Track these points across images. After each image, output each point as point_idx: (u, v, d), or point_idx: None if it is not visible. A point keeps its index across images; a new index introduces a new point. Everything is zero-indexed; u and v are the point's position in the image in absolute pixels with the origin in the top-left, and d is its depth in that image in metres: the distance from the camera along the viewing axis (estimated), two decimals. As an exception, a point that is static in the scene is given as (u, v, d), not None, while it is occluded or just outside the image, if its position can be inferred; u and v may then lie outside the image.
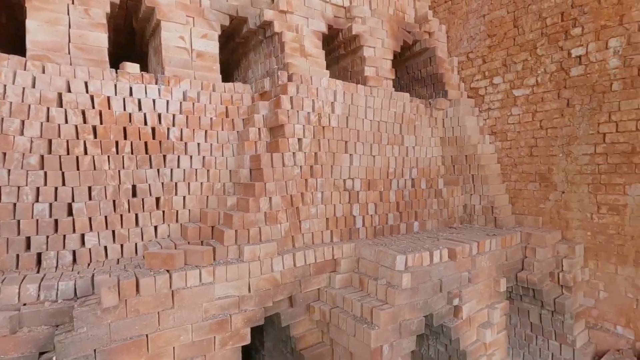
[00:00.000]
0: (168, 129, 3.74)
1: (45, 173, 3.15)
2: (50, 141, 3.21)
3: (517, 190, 5.11)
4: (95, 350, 2.50)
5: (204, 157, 3.93)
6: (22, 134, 3.10)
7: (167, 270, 2.92)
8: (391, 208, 4.56)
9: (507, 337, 4.12)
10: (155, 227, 3.67)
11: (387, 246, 3.85)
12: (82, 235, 3.29)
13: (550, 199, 4.72)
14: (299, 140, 3.85)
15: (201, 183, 3.92)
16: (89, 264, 3.27)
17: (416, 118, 4.91)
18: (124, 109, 3.53)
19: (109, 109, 3.46)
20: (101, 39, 3.59)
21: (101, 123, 3.41)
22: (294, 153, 3.79)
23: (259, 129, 3.95)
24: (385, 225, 4.50)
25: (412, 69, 6.05)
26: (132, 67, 3.63)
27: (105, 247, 3.39)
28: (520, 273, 4.37)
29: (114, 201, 3.43)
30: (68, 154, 3.26)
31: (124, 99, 3.53)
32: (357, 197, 4.27)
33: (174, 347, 2.84)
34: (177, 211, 3.79)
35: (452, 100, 5.40)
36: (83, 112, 3.35)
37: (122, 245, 3.46)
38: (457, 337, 3.64)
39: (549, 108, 4.69)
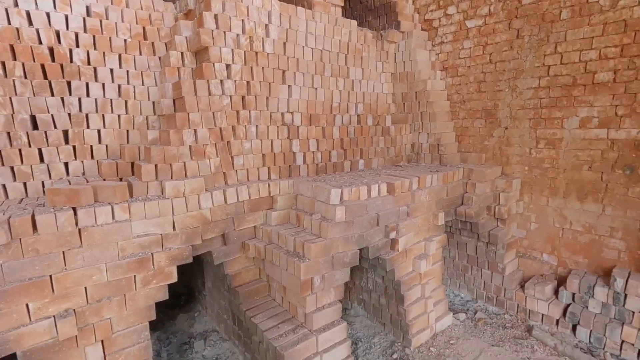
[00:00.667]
0: (70, 50, 3.20)
1: None
2: None
3: (464, 127, 5.06)
4: (-16, 292, 2.24)
5: (119, 86, 3.47)
6: None
7: (73, 208, 2.62)
8: (335, 145, 4.38)
9: (443, 267, 4.28)
10: (66, 164, 3.28)
11: (327, 182, 3.71)
12: (-29, 172, 2.87)
13: (495, 135, 4.72)
14: (227, 66, 3.46)
15: (118, 115, 3.50)
16: (-17, 204, 2.89)
17: (363, 49, 4.58)
18: (8, 23, 2.94)
19: (-13, 21, 2.86)
20: None
21: (-22, 38, 2.84)
22: (221, 81, 3.42)
23: (181, 52, 3.49)
24: (328, 162, 4.34)
25: (365, -3, 5.58)
26: (13, -30, 2.97)
27: (4, 186, 3.00)
28: (459, 208, 4.44)
29: (8, 133, 2.98)
30: (-63, 74, 2.71)
31: (6, 10, 2.93)
32: (297, 132, 4.03)
33: (85, 287, 2.63)
34: (91, 146, 3.39)
35: (405, 33, 5.07)
36: (-49, 23, 2.75)
37: (25, 184, 3.08)
38: (392, 269, 3.69)
39: (499, 40, 4.50)
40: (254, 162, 3.70)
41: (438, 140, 4.91)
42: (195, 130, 3.28)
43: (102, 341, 2.75)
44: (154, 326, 4.22)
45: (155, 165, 3.09)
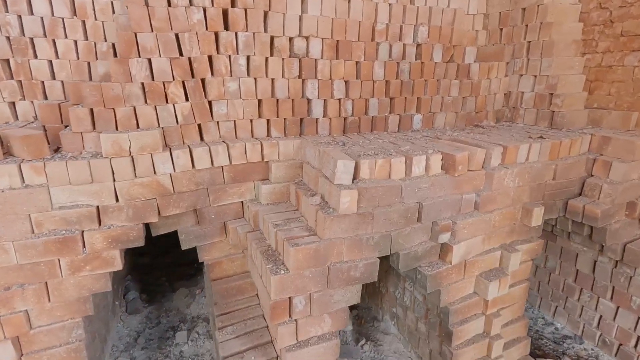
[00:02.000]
0: (-1, -54, 2.35)
1: None
2: None
3: (603, 68, 3.07)
4: None
5: (72, 1, 2.56)
6: None
7: (-33, 164, 1.89)
8: (376, 90, 2.95)
9: (527, 290, 2.73)
10: (13, 105, 2.61)
11: (348, 146, 2.42)
12: None
13: (665, 80, 2.70)
14: (197, -43, 2.25)
15: (75, 41, 2.65)
16: None
17: None
18: None
19: None
20: None
21: None
22: (187, -18, 2.25)
23: (139, -58, 2.37)
24: (363, 116, 2.97)
25: None
26: None
27: (-62, 129, 2.43)
28: (574, 201, 2.73)
29: None
30: None
31: None
32: (314, 68, 2.71)
33: (-16, 271, 1.97)
34: (42, 83, 2.64)
35: None
36: None
37: (-38, 128, 2.48)
38: (437, 289, 2.35)
39: None
40: (244, 111, 2.57)
41: (552, 88, 3.07)
42: (149, 61, 2.25)
43: (16, 338, 2.12)
44: (152, 298, 3.70)
45: (91, 110, 2.19)
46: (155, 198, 2.33)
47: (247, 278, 2.70)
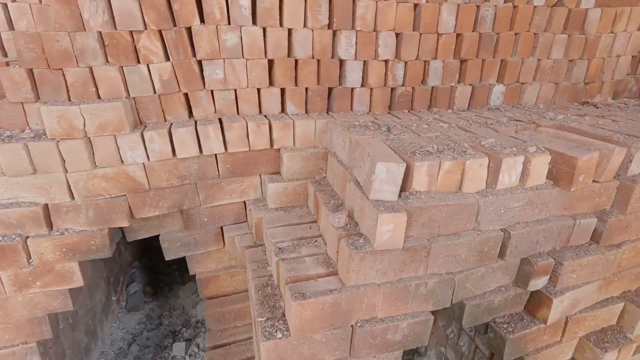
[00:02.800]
0: None
1: None
2: None
3: None
4: None
5: None
6: None
7: None
8: (441, 48, 2.04)
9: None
10: (-34, 63, 2.06)
11: (395, 133, 1.61)
12: None
13: None
14: None
15: (34, -22, 1.99)
16: None
17: None
18: None
19: None
20: None
21: None
22: None
23: None
24: (418, 87, 2.09)
25: None
26: None
27: None
28: None
29: None
30: None
31: None
32: (351, 13, 1.85)
33: None
34: (-2, 35, 2.05)
35: None
36: None
37: None
38: (520, 356, 1.56)
39: None
40: (248, 76, 1.81)
41: None
42: (108, 0, 1.54)
43: (-47, 364, 1.68)
44: (157, 291, 3.26)
45: (30, 72, 1.56)
46: (124, 195, 1.72)
47: (240, 303, 2.07)
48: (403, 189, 1.29)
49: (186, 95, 1.78)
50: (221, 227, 1.98)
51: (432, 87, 2.12)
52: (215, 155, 1.78)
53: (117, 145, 1.63)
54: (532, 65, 2.23)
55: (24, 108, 1.62)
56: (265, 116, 1.88)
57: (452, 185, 1.33)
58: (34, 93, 1.58)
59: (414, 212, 1.25)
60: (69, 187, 1.63)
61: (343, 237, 1.29)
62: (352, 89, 1.99)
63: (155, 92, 1.71)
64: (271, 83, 1.88)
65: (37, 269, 1.67)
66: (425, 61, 2.03)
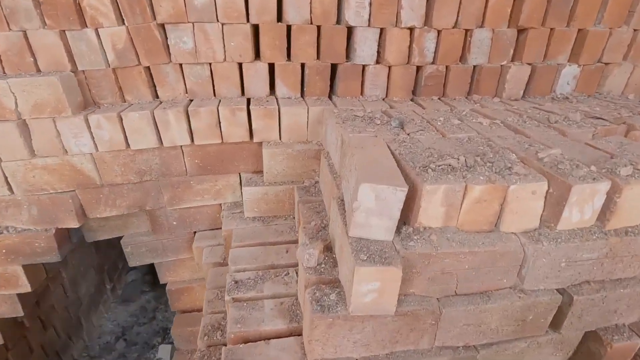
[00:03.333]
0: None
1: None
2: None
3: None
4: None
5: None
6: None
7: None
8: (491, 12, 1.48)
9: None
10: None
11: (409, 129, 1.14)
12: None
13: None
14: None
15: None
16: None
17: None
18: None
19: None
20: None
21: None
22: None
23: None
24: (455, 66, 1.56)
25: None
26: None
27: None
28: None
29: None
30: None
31: None
32: (365, -37, 1.36)
33: None
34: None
35: None
36: None
37: None
38: None
39: None
40: (225, 46, 1.40)
41: None
42: (39, -59, 1.19)
43: None
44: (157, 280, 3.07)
45: (-43, 36, 1.26)
46: (72, 191, 1.43)
47: (229, 316, 1.75)
48: (405, 220, 0.84)
49: (149, 70, 1.42)
50: (195, 232, 1.65)
51: (475, 67, 1.57)
52: (181, 147, 1.42)
53: (58, 131, 1.32)
54: (623, 38, 1.60)
55: (-45, 82, 1.34)
56: (248, 99, 1.48)
57: (483, 222, 0.86)
58: (-44, 62, 1.29)
59: (418, 261, 0.80)
60: (6, 178, 1.36)
61: (310, 285, 0.89)
62: (364, 66, 1.51)
63: (109, 65, 1.37)
64: (256, 56, 1.46)
65: (-23, 271, 1.45)
66: (466, 30, 1.49)
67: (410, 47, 1.49)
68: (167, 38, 1.37)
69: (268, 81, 1.49)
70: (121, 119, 1.33)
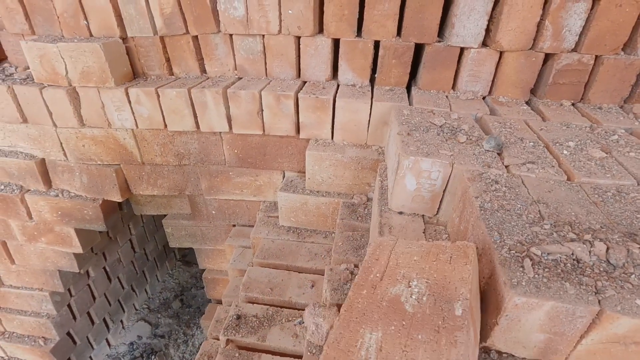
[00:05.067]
0: None
1: None
2: None
3: None
4: None
5: None
6: None
7: None
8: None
9: None
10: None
11: (514, 156, 0.73)
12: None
13: None
14: None
15: None
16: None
17: None
18: None
19: None
20: None
21: None
22: None
23: None
24: (610, 57, 1.01)
25: None
26: None
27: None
28: None
29: None
30: None
31: None
32: None
33: None
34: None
35: None
36: None
37: None
38: None
39: None
40: (284, 13, 1.12)
41: None
42: None
43: (-15, 290, 1.78)
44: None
45: (24, -4, 1.25)
46: (117, 165, 1.37)
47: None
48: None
49: (196, 39, 1.23)
50: (234, 225, 1.50)
51: (648, 60, 1.00)
52: (220, 134, 1.23)
53: (102, 102, 1.24)
54: None
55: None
56: (304, 83, 1.20)
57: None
58: (28, 23, 1.28)
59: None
60: (61, 144, 1.36)
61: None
62: (463, 49, 1.08)
63: (157, 33, 1.21)
64: (319, 30, 1.15)
65: (39, 226, 1.53)
66: (645, 0, 0.93)
67: (540, 23, 1.00)
68: (216, 3, 1.15)
69: (330, 62, 1.18)
70: (158, 96, 1.18)
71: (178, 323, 2.48)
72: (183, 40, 1.23)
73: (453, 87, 1.15)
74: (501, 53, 1.06)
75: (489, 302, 0.48)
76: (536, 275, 0.45)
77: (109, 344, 2.24)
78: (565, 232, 0.52)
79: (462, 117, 0.93)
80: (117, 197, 1.42)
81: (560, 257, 0.47)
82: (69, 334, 1.90)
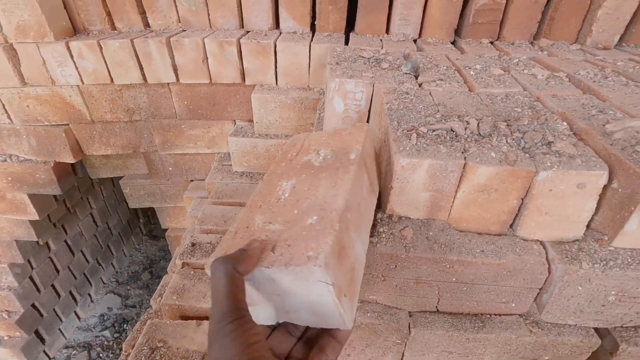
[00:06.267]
0: None
1: None
2: None
3: None
4: None
5: None
6: None
7: None
8: None
9: None
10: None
11: (428, 76, 0.83)
12: None
13: None
14: None
15: None
16: None
17: None
18: None
19: None
20: None
21: None
22: None
23: None
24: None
25: None
26: None
27: None
28: None
29: None
30: None
31: None
32: None
33: None
34: None
35: None
36: None
37: None
38: None
39: None
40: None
41: None
42: None
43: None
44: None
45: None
46: (66, 124, 1.37)
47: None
48: (379, 201, 0.60)
49: (137, -8, 1.23)
50: (192, 180, 1.55)
51: (550, -2, 1.13)
52: (168, 85, 1.26)
53: (43, 58, 1.22)
54: None
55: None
56: (247, 32, 1.24)
57: (489, 219, 0.58)
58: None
59: (381, 262, 0.57)
60: (3, 106, 1.33)
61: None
62: (393, -7, 1.17)
63: (93, -19, 1.21)
64: (263, -25, 1.19)
65: (-10, 194, 1.51)
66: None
67: (458, -34, 1.09)
68: (153, -50, 1.16)
69: (272, 11, 1.23)
70: (101, 48, 1.19)
71: (148, 293, 2.52)
72: (122, -8, 1.23)
73: (387, 32, 1.24)
74: (428, -6, 1.16)
75: (387, 178, 0.58)
76: (418, 143, 0.55)
77: (78, 317, 2.25)
78: (452, 118, 0.62)
79: (390, 52, 1.02)
80: (69, 159, 1.42)
81: (441, 132, 0.57)
82: (34, 306, 1.90)
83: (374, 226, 0.58)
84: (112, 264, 2.57)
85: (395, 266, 0.58)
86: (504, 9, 1.15)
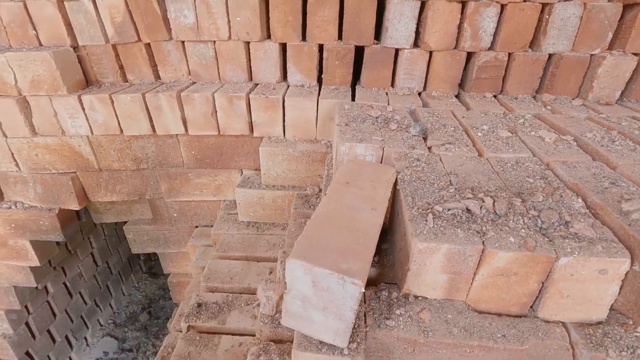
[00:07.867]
0: None
1: None
2: None
3: None
4: None
5: None
6: None
7: None
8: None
9: None
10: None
11: (436, 139, 0.84)
12: None
13: None
14: None
15: None
16: None
17: None
18: None
19: None
20: None
21: None
22: None
23: None
24: (522, 54, 1.16)
25: None
26: None
27: None
28: None
29: None
30: None
31: None
32: None
33: None
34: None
35: None
36: None
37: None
38: None
39: None
40: (233, 20, 1.19)
41: None
42: None
43: (-62, 313, 1.68)
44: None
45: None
46: (73, 172, 1.37)
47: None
48: (394, 278, 0.58)
49: (149, 47, 1.27)
50: (196, 227, 1.53)
51: (551, 56, 1.17)
52: (177, 137, 1.28)
53: (55, 110, 1.25)
54: None
55: (-29, 53, 1.33)
56: (256, 85, 1.27)
57: (509, 301, 0.56)
58: (-25, 34, 1.27)
59: (397, 347, 0.55)
60: (12, 155, 1.34)
61: (262, 339, 0.68)
62: (397, 50, 1.21)
63: (108, 41, 1.25)
64: (267, 35, 1.23)
65: (-9, 241, 1.49)
66: (543, 4, 1.09)
67: (460, 26, 1.14)
68: (167, 11, 1.20)
69: (279, 65, 1.26)
70: (112, 102, 1.21)
71: (146, 335, 2.44)
72: (135, 48, 1.27)
73: (392, 85, 1.27)
74: (431, 53, 1.20)
75: (403, 255, 0.57)
76: (435, 226, 0.54)
77: (72, 363, 2.16)
78: (466, 194, 0.62)
79: (397, 110, 1.04)
80: (74, 206, 1.41)
81: (457, 211, 0.57)
82: (28, 353, 1.83)
83: (390, 307, 0.57)
84: (110, 304, 2.50)
85: (414, 350, 0.56)
86: (506, 65, 1.19)
